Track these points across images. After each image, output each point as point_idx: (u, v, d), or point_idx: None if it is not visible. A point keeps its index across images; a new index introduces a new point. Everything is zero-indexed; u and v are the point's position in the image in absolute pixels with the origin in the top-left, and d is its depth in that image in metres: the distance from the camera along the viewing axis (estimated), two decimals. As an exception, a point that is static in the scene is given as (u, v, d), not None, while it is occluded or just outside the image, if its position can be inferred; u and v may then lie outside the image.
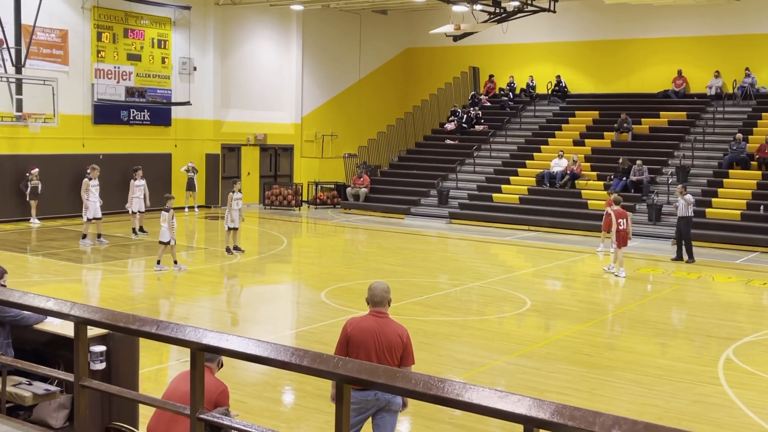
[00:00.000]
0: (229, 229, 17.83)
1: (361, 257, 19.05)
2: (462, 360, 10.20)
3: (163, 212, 15.75)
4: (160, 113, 26.12)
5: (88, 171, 18.76)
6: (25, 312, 6.25)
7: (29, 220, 22.06)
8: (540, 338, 11.57)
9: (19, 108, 21.59)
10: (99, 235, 18.95)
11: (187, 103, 26.55)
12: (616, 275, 16.35)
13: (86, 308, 3.58)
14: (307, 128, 31.00)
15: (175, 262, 15.93)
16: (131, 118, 25.22)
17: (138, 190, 20.07)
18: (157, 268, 15.66)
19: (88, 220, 18.66)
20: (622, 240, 16.36)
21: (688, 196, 18.49)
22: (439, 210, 26.17)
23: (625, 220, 16.47)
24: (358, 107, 32.82)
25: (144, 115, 25.60)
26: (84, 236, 18.71)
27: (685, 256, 18.62)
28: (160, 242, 15.73)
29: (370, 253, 19.63)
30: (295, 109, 30.47)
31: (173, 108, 26.43)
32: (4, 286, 6.36)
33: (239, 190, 17.85)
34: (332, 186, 29.75)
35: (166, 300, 13.77)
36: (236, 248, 18.03)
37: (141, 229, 20.37)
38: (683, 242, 18.65)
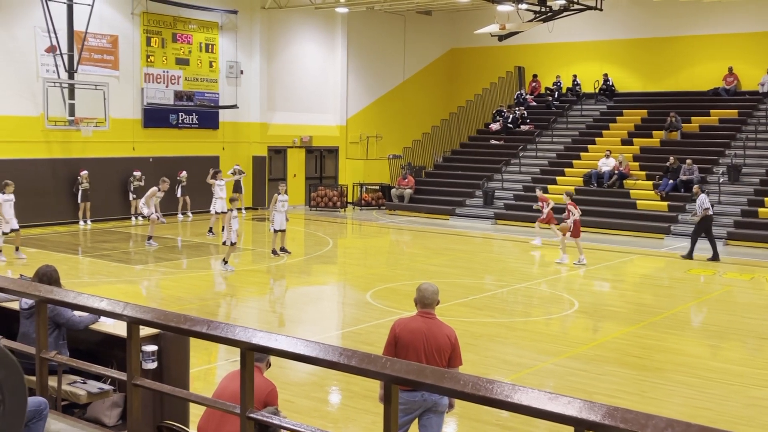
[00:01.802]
0: (275, 231, 17.93)
1: (406, 258, 19.07)
2: (509, 361, 10.14)
3: (228, 213, 16.11)
4: (207, 116, 26.47)
5: (159, 185, 19.40)
6: (78, 314, 6.39)
7: (79, 222, 22.54)
8: (588, 340, 11.44)
9: (72, 113, 22.07)
10: (150, 237, 19.28)
11: (234, 107, 26.85)
12: (559, 262, 17.61)
13: (138, 308, 3.63)
14: (352, 130, 31.11)
15: (225, 262, 16.13)
16: (180, 121, 25.60)
17: (221, 190, 20.86)
18: (223, 268, 16.01)
19: (147, 217, 19.21)
20: (577, 230, 17.55)
21: (703, 196, 18.40)
22: (484, 211, 26.04)
23: (576, 211, 17.70)
24: (403, 108, 32.83)
25: (192, 119, 25.97)
26: (149, 238, 19.12)
27: (694, 254, 18.48)
28: (224, 243, 16.06)
29: (415, 254, 19.62)
30: (340, 111, 30.61)
31: (220, 111, 26.76)
32: (60, 286, 6.50)
33: (285, 192, 17.92)
34: (377, 187, 29.82)
35: (215, 300, 13.94)
36: (283, 250, 18.18)
37: (211, 230, 21.14)
38: (702, 240, 18.48)
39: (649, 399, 8.69)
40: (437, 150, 32.01)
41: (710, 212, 18.32)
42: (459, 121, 32.83)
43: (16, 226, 16.56)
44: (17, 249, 16.79)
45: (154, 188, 19.17)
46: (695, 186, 19.28)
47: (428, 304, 5.81)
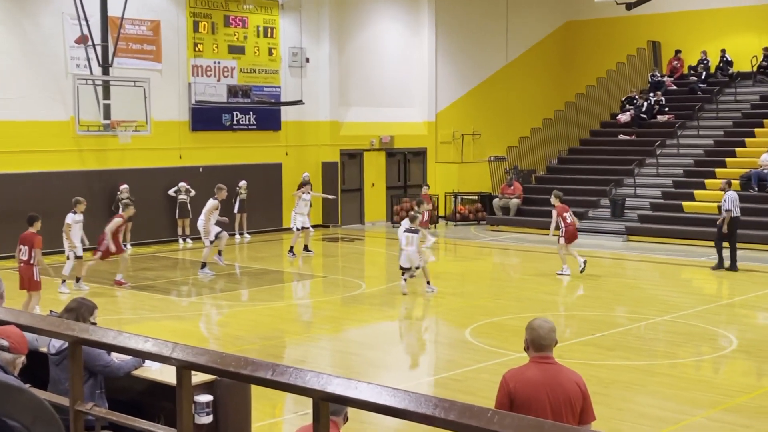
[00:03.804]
0: (298, 229, 19.78)
1: (514, 286, 18.95)
2: (649, 415, 9.97)
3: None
4: (267, 116, 26.95)
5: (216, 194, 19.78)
6: (117, 359, 6.55)
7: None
8: (751, 387, 11.20)
9: (107, 115, 22.68)
10: (204, 265, 19.59)
11: (300, 102, 27.23)
12: (560, 273, 18.79)
13: (190, 350, 3.69)
14: (442, 127, 31.14)
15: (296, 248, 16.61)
16: (234, 122, 26.12)
17: (305, 205, 22.09)
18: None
19: (211, 242, 19.30)
20: (571, 236, 18.79)
21: (732, 193, 19.05)
22: (613, 224, 25.65)
23: (569, 214, 19.02)
24: (506, 99, 32.67)
25: (249, 119, 26.47)
26: (203, 265, 19.29)
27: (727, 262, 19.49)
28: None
29: (525, 280, 19.47)
30: (427, 104, 30.69)
31: (283, 109, 27.20)
32: (95, 323, 6.69)
33: (309, 191, 21.41)
34: (475, 197, 29.73)
35: (281, 340, 14.09)
36: (306, 249, 21.10)
37: (306, 248, 22.19)
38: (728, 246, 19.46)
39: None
40: (551, 149, 31.71)
41: (733, 214, 19.20)
42: (578, 112, 32.44)
43: (80, 253, 17.20)
44: (78, 280, 17.34)
45: (212, 201, 19.35)
46: (723, 181, 20.54)
47: (545, 346, 5.68)
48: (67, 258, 17.13)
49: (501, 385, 5.66)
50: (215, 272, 19.17)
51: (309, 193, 22.52)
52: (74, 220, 17.07)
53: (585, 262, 18.79)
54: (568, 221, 18.94)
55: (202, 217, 19.46)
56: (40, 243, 14.28)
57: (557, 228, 19.17)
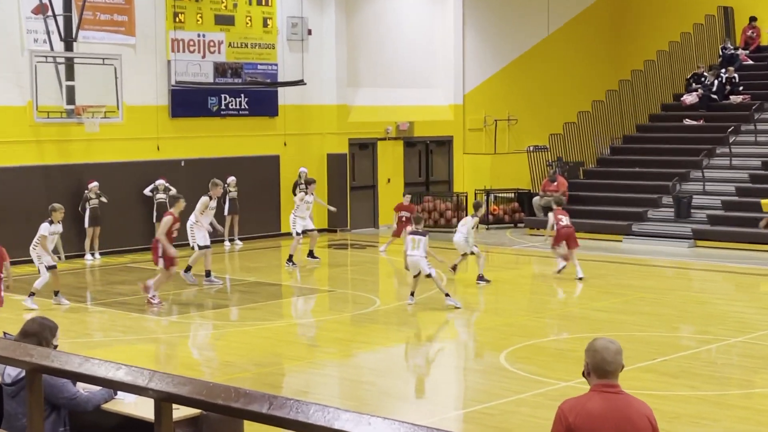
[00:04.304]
0: (298, 233, 20.81)
1: (558, 301, 18.91)
2: (721, 456, 9.95)
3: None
4: (262, 99, 26.93)
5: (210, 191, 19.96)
6: (84, 390, 6.56)
7: (84, 255, 23.08)
8: None
9: (71, 99, 22.64)
10: (208, 273, 19.76)
11: (300, 83, 27.20)
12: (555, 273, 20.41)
13: (171, 379, 3.70)
14: (471, 111, 31.09)
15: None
16: (223, 107, 26.10)
17: (307, 208, 22.28)
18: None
19: (200, 247, 19.49)
20: (564, 237, 20.24)
21: None
22: (677, 226, 25.58)
23: (565, 218, 20.65)
24: (548, 77, 32.57)
25: (240, 103, 26.45)
26: (188, 268, 19.41)
27: None
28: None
29: (572, 293, 19.46)
30: (453, 84, 30.65)
31: (280, 91, 27.16)
32: (56, 347, 6.70)
33: (313, 192, 22.24)
34: (511, 195, 29.69)
35: (279, 366, 14.07)
36: (311, 255, 22.03)
37: (311, 255, 22.47)
38: None
39: None
40: (601, 138, 31.60)
41: None
42: (634, 92, 32.33)
43: (52, 263, 17.26)
44: (56, 293, 17.44)
45: (205, 198, 19.57)
46: None
47: (610, 372, 5.64)
48: (38, 271, 17.17)
49: (557, 419, 5.61)
50: (197, 280, 19.30)
51: (312, 194, 22.66)
52: (50, 231, 17.07)
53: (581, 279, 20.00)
54: (562, 223, 20.33)
55: (192, 218, 19.55)
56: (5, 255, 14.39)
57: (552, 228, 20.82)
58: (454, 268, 19.76)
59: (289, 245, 22.31)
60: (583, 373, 5.75)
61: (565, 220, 20.56)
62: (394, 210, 24.86)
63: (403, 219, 23.25)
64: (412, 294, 17.35)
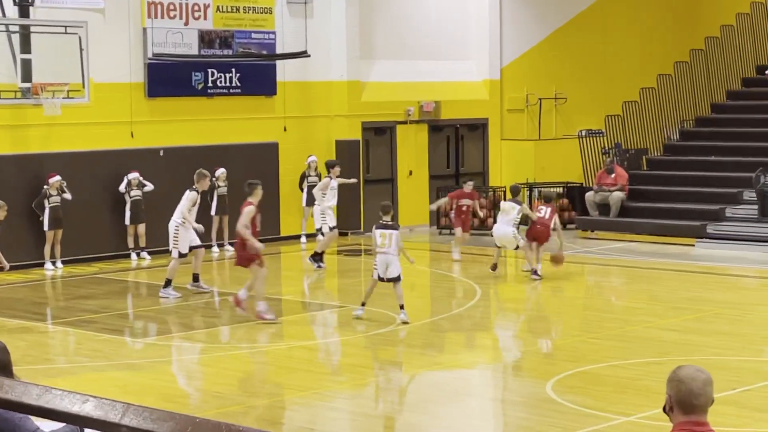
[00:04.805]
0: (321, 232, 21.66)
1: (617, 318, 18.93)
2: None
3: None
4: (257, 74, 26.98)
5: (196, 183, 20.04)
6: (41, 424, 6.47)
7: (44, 264, 23.11)
8: None
9: (27, 76, 22.73)
10: (196, 277, 19.99)
11: (304, 54, 27.23)
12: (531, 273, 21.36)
13: (149, 413, 3.67)
14: (511, 89, 31.16)
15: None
16: (210, 84, 26.15)
17: (332, 195, 22.87)
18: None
19: (181, 254, 19.65)
20: (537, 234, 21.53)
21: None
22: (761, 227, 25.59)
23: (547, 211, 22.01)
24: (602, 47, 32.64)
25: (231, 79, 26.50)
26: (167, 282, 19.58)
27: None
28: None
29: (634, 309, 19.45)
30: (488, 56, 30.71)
31: (279, 64, 27.21)
32: (12, 376, 6.61)
33: (338, 175, 22.85)
34: (560, 190, 29.72)
35: (278, 398, 14.07)
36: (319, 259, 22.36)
37: (319, 258, 22.69)
38: None
39: None
40: (669, 120, 31.58)
41: None
42: (708, 65, 32.31)
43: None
44: None
45: (190, 192, 19.75)
46: None
47: (698, 407, 5.56)
48: None
49: None
50: (181, 294, 19.29)
51: (336, 178, 23.06)
52: None
53: (535, 273, 21.41)
54: (540, 215, 21.90)
55: (176, 217, 19.57)
56: None
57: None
58: (494, 267, 20.59)
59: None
60: (664, 409, 5.69)
61: (545, 214, 21.82)
62: (449, 197, 25.25)
63: (464, 208, 24.15)
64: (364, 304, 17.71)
